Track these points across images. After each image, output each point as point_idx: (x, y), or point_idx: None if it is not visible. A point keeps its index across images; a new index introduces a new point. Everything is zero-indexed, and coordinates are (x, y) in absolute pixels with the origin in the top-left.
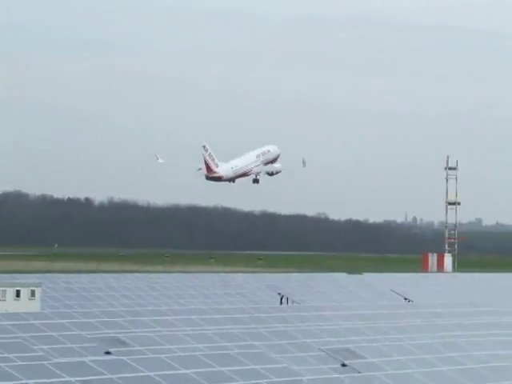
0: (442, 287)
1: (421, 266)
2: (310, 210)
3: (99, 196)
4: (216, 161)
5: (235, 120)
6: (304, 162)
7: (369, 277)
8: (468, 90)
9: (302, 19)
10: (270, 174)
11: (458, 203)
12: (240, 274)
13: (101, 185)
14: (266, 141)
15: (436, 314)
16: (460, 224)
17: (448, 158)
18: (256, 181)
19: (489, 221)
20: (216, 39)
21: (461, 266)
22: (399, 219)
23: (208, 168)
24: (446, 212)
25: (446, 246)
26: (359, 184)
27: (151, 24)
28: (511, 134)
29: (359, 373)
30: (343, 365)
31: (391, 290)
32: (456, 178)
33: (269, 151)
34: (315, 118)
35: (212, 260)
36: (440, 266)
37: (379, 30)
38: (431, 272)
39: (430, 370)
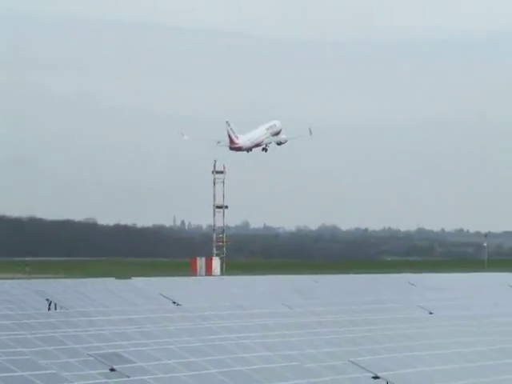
0: (210, 290)
1: (190, 270)
2: (79, 216)
3: None
4: (236, 134)
5: None
6: (311, 131)
7: (138, 281)
8: (248, 91)
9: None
10: (279, 143)
11: (226, 207)
12: (6, 281)
13: None
14: None
15: (204, 318)
16: (228, 227)
17: (215, 161)
18: (265, 149)
19: (256, 223)
20: None
21: (229, 269)
22: (168, 223)
23: (231, 140)
24: (214, 215)
25: (214, 249)
26: (127, 189)
27: None
28: None
29: (128, 377)
30: (112, 369)
31: (160, 294)
32: (223, 182)
33: (275, 125)
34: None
35: None
36: (208, 270)
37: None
38: (200, 276)
39: (199, 373)
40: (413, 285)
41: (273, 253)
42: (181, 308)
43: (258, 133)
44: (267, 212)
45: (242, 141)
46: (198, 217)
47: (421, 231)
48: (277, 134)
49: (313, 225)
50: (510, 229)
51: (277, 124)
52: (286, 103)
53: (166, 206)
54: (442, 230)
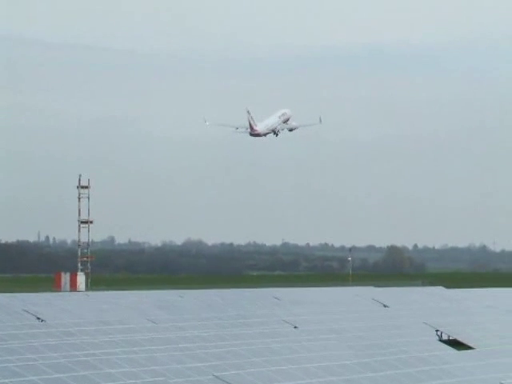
0: (75, 306)
1: (54, 286)
2: None
3: None
4: (255, 121)
5: None
6: (320, 119)
7: (1, 297)
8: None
9: None
10: (290, 129)
11: (91, 222)
12: None
13: None
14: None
15: (68, 333)
16: (93, 242)
17: (80, 176)
18: (276, 134)
19: (121, 239)
20: None
21: (94, 284)
22: (32, 239)
23: (251, 127)
24: (79, 231)
25: (79, 264)
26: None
27: None
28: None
29: None
30: None
31: (24, 310)
32: (88, 197)
33: (286, 113)
34: None
35: None
36: (73, 285)
37: None
38: (64, 291)
39: None
40: (278, 299)
41: (138, 268)
42: (45, 324)
43: (272, 120)
44: (132, 227)
45: (260, 127)
46: (63, 232)
47: (286, 245)
48: (286, 121)
49: (178, 240)
50: (374, 243)
51: (287, 112)
52: (146, 116)
53: (31, 221)
54: (307, 245)
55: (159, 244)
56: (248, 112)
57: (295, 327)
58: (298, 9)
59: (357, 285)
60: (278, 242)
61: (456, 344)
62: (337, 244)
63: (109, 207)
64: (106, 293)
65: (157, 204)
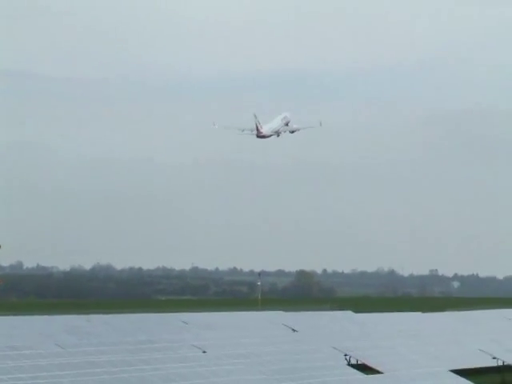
0: None
1: None
2: None
3: None
4: (261, 124)
5: None
6: (321, 123)
7: None
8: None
9: None
10: (292, 131)
11: None
12: None
13: None
14: None
15: None
16: (1, 267)
17: None
18: (278, 135)
19: (30, 263)
20: None
21: (1, 309)
22: None
23: (257, 129)
24: None
25: None
26: None
27: None
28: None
29: None
30: None
31: None
32: None
33: (286, 116)
34: None
35: None
36: None
37: None
38: None
39: None
40: (186, 323)
41: (46, 293)
42: None
43: (276, 123)
44: (41, 251)
45: (265, 130)
46: None
47: (195, 270)
48: (287, 123)
49: (87, 264)
50: (283, 267)
51: (287, 115)
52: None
53: None
54: (216, 269)
55: (68, 268)
56: (255, 116)
57: (204, 352)
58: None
59: (266, 309)
60: (188, 267)
61: (364, 368)
62: (246, 268)
63: (17, 231)
64: (13, 318)
65: (65, 228)
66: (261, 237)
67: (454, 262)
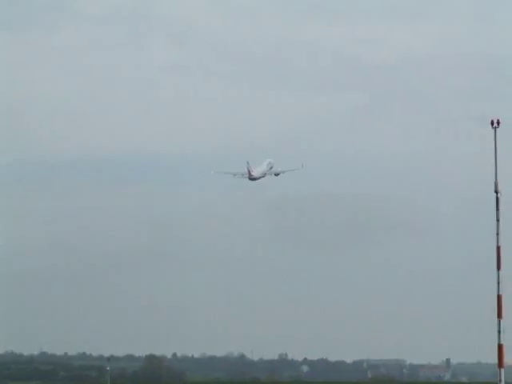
0: None
1: None
2: None
3: None
4: (252, 169)
5: None
6: (303, 165)
7: None
8: None
9: None
10: (276, 174)
11: None
12: None
13: None
14: None
15: None
16: None
17: None
18: (264, 177)
19: None
20: None
21: None
22: None
23: (250, 173)
24: None
25: None
26: None
27: None
28: None
29: None
30: None
31: None
32: None
33: (270, 162)
34: None
35: None
36: None
37: None
38: None
39: None
40: None
41: None
42: None
43: (263, 167)
44: None
45: (255, 173)
46: None
47: (44, 355)
48: (271, 168)
49: None
50: (133, 352)
51: (271, 161)
52: None
53: None
54: (65, 354)
55: None
56: (247, 162)
57: None
58: None
59: None
60: (36, 352)
61: None
62: (95, 353)
63: None
64: None
65: None
66: (110, 320)
67: (304, 346)
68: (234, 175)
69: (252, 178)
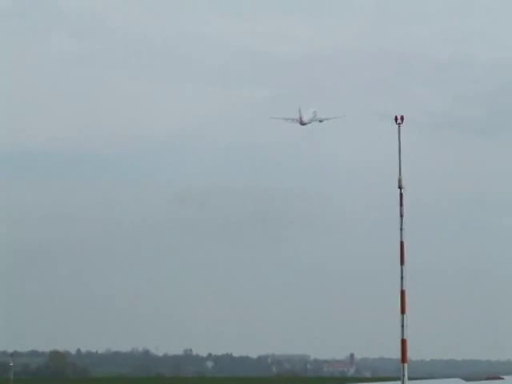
0: None
1: None
2: None
3: None
4: (303, 115)
5: None
6: (344, 114)
7: None
8: None
9: None
10: (321, 121)
11: None
12: None
13: None
14: None
15: None
16: None
17: None
18: (311, 123)
19: None
20: None
21: None
22: None
23: (301, 119)
24: None
25: None
26: None
27: None
28: None
29: None
30: None
31: None
32: None
33: (315, 110)
34: None
35: None
36: None
37: None
38: None
39: None
40: None
41: None
42: None
43: (309, 115)
44: None
45: (305, 119)
46: None
47: None
48: (316, 115)
49: None
50: (37, 348)
51: (315, 109)
52: None
53: None
54: None
55: None
56: (299, 110)
57: None
58: None
59: None
60: None
61: None
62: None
63: None
64: None
65: None
66: (13, 315)
67: (209, 341)
68: (286, 120)
69: (303, 123)
